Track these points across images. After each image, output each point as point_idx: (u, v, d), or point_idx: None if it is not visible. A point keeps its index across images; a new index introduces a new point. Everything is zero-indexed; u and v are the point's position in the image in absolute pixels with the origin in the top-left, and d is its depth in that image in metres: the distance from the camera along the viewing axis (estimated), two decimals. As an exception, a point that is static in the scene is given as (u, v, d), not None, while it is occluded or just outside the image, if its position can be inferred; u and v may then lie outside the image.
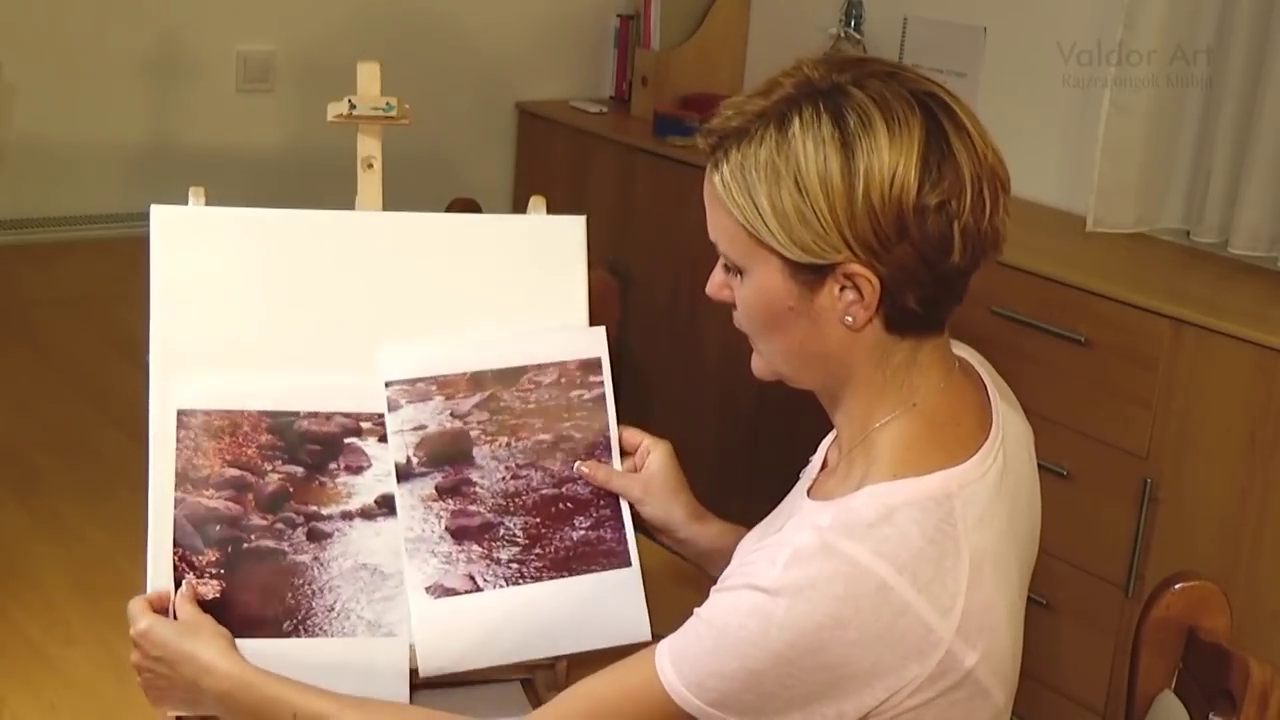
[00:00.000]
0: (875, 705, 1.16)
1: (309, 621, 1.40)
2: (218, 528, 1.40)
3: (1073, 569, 2.59)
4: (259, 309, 1.48)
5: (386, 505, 1.46)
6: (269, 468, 1.42)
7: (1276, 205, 2.72)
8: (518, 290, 1.55)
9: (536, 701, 1.47)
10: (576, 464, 1.51)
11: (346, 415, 1.46)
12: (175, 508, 1.39)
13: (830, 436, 1.39)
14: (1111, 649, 2.56)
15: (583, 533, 1.49)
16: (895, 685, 1.15)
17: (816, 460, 1.40)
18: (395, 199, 1.58)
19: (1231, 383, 2.36)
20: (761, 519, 1.44)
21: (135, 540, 1.42)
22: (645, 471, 1.52)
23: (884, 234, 1.16)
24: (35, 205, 3.21)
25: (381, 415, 1.47)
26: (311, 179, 3.13)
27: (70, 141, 3.24)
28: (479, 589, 1.45)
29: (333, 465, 1.45)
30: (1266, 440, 2.32)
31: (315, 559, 1.42)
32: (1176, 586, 1.44)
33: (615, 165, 3.61)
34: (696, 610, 1.22)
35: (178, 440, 1.40)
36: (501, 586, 1.46)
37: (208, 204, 1.50)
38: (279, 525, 1.42)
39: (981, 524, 1.20)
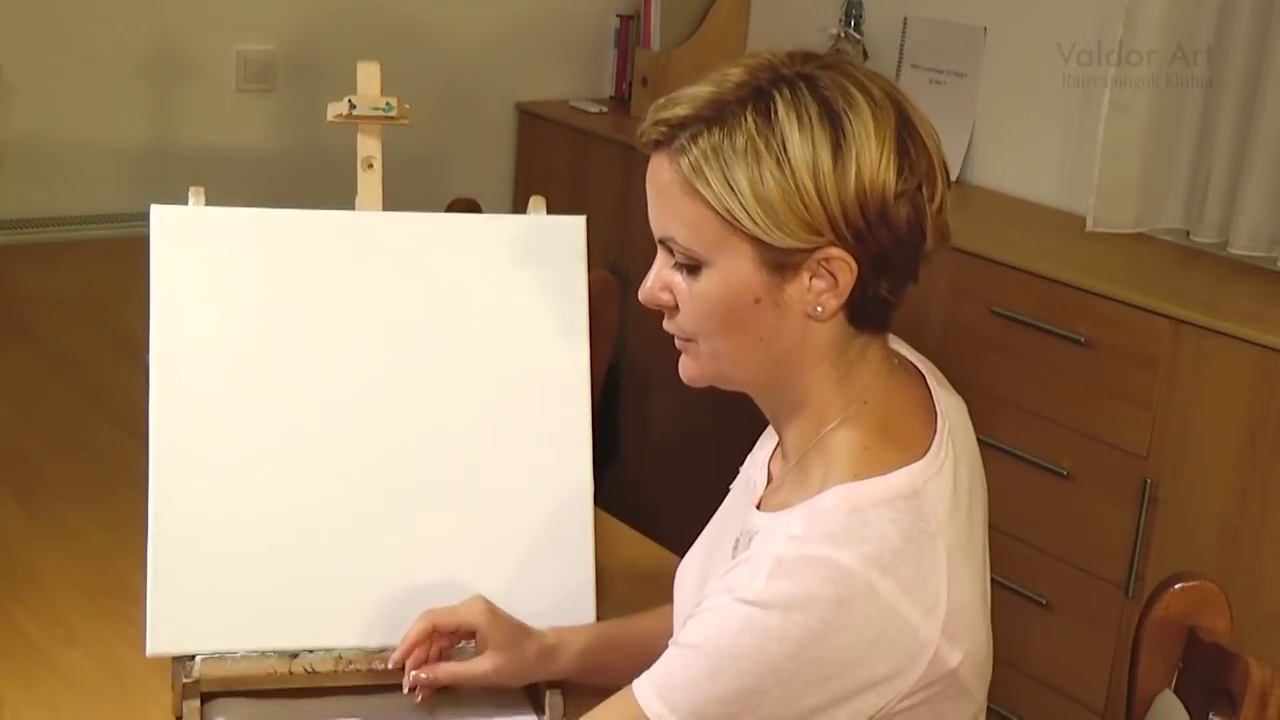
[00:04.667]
0: (870, 714, 1.13)
1: None
2: None
3: (1073, 569, 2.59)
4: (259, 309, 1.48)
5: None
6: None
7: (1276, 205, 2.71)
8: (517, 290, 1.55)
9: (537, 701, 1.47)
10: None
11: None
12: None
13: (764, 451, 1.36)
14: (1111, 649, 2.55)
15: None
16: (890, 692, 1.13)
17: (758, 476, 1.34)
18: (395, 199, 1.58)
19: (1231, 383, 2.36)
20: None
21: (135, 539, 1.42)
22: (480, 638, 1.42)
23: (870, 216, 1.13)
24: (35, 205, 3.21)
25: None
26: (311, 179, 3.12)
27: (70, 141, 3.24)
28: None
29: None
30: (1266, 440, 2.32)
31: None
32: (1176, 586, 1.44)
33: (615, 165, 3.60)
34: (673, 640, 1.18)
35: None
36: None
37: (208, 204, 1.50)
38: None
39: (951, 519, 1.17)
